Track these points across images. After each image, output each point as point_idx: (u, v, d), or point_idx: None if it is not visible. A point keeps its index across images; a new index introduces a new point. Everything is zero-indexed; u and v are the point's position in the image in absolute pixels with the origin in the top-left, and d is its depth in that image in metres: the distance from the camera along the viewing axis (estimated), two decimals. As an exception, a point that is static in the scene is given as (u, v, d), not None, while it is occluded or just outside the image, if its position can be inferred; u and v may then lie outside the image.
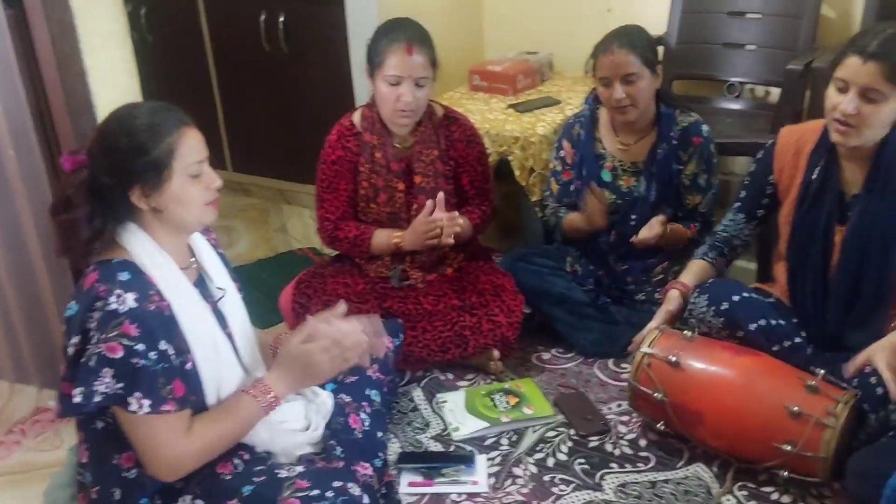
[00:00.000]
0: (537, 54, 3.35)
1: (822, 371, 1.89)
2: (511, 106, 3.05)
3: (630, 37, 2.35)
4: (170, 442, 1.53)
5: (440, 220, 2.27)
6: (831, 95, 1.87)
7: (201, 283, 1.70)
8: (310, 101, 3.44)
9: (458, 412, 2.23)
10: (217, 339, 1.64)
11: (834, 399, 1.83)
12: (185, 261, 1.67)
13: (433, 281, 2.44)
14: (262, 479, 1.60)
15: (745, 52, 2.96)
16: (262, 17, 3.41)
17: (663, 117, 2.42)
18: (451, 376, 2.41)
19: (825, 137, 1.97)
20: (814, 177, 2.01)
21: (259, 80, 3.58)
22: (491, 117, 2.96)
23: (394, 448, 2.11)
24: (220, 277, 1.74)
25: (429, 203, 2.28)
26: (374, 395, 1.96)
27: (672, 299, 2.14)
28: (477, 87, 3.26)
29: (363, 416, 1.88)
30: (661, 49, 2.93)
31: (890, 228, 1.93)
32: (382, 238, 2.39)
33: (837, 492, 1.86)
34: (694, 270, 2.19)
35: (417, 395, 2.33)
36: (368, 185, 2.38)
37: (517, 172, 2.83)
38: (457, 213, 2.32)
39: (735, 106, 3.00)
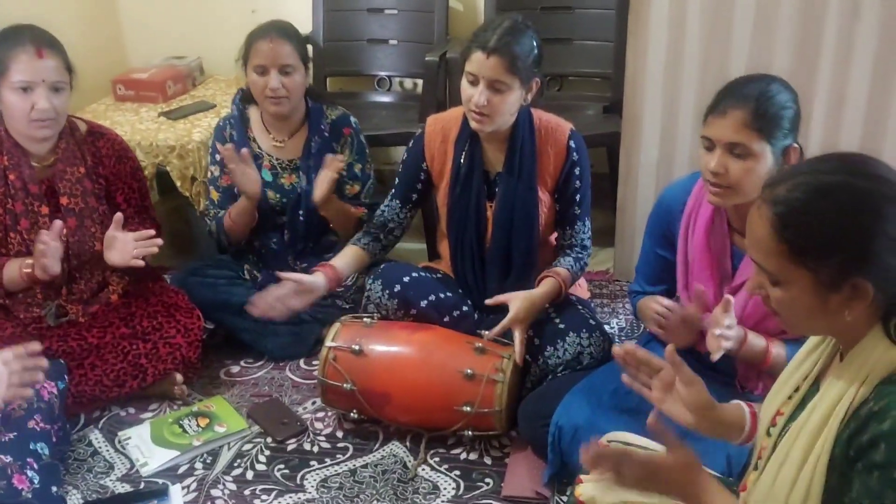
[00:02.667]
0: (185, 59, 3.23)
1: (487, 332, 2.05)
2: (163, 114, 2.90)
3: (286, 29, 2.37)
4: None
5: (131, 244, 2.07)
6: (465, 88, 2.02)
7: None
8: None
9: (144, 446, 2.07)
10: None
11: (500, 356, 2.00)
12: None
13: (96, 312, 2.23)
14: None
15: (389, 46, 3.11)
16: None
17: (312, 112, 2.46)
18: (132, 410, 2.23)
19: (466, 124, 2.12)
20: (462, 160, 2.16)
21: None
22: (142, 127, 2.79)
23: (75, 501, 1.90)
24: None
25: (56, 224, 2.02)
26: (41, 448, 1.76)
27: (309, 278, 2.10)
28: (123, 97, 3.05)
29: (30, 473, 1.68)
30: (310, 48, 2.99)
31: (530, 202, 2.14)
32: (12, 270, 2.08)
33: (515, 439, 2.04)
34: (345, 254, 2.23)
35: (96, 437, 2.13)
36: (4, 212, 2.10)
37: (178, 183, 2.70)
38: (151, 232, 2.12)
39: (386, 99, 3.15)
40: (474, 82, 1.99)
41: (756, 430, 1.33)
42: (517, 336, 2.01)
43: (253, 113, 2.48)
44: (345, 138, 2.47)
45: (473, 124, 2.05)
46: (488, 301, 2.07)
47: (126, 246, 2.07)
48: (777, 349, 1.71)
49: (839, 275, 1.03)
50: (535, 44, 2.00)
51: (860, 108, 2.39)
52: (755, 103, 1.60)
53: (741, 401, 1.40)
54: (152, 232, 2.12)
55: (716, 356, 1.62)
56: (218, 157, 2.45)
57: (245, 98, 2.46)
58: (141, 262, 2.09)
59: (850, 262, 1.02)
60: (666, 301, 1.78)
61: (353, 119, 2.49)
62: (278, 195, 2.44)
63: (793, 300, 1.08)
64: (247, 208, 2.37)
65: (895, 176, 1.05)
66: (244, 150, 2.30)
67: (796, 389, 1.20)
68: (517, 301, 2.03)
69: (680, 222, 1.87)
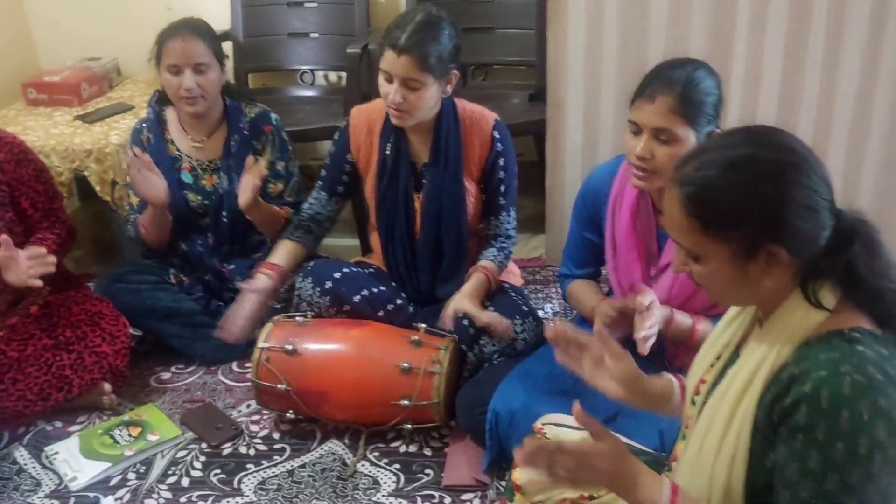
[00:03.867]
0: (101, 60, 3.12)
1: (423, 325, 2.05)
2: (78, 117, 2.80)
3: (199, 26, 2.31)
4: None
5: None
6: (382, 85, 2.00)
7: None
8: None
9: (73, 460, 2.01)
10: None
11: (436, 347, 2.00)
12: None
13: (15, 324, 2.13)
14: None
15: (310, 40, 3.07)
16: None
17: (230, 110, 2.40)
18: (59, 424, 2.16)
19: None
20: (388, 152, 2.15)
21: None
22: (56, 132, 2.69)
23: (0, 522, 1.83)
24: None
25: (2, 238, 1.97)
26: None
27: (258, 282, 2.12)
28: (35, 101, 2.94)
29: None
30: (230, 44, 2.93)
31: (456, 193, 2.14)
32: None
33: (454, 429, 2.04)
34: (281, 250, 2.21)
35: (21, 454, 2.05)
36: None
37: (98, 187, 2.62)
38: (43, 251, 2.04)
39: (309, 93, 3.11)
40: (389, 80, 1.98)
41: (685, 401, 1.36)
42: (473, 311, 2.00)
43: (170, 114, 2.41)
44: (265, 136, 2.42)
45: (394, 120, 2.04)
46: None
47: (20, 266, 1.98)
48: (703, 325, 1.76)
49: (753, 244, 1.06)
50: (449, 37, 1.99)
51: (775, 88, 2.46)
52: (682, 89, 1.62)
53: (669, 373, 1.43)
54: (43, 250, 2.04)
55: (645, 351, 1.65)
56: None
57: (161, 99, 2.39)
58: (39, 283, 2.01)
59: (761, 231, 1.05)
60: (617, 303, 1.78)
61: (273, 116, 2.44)
62: (200, 197, 2.38)
63: (714, 273, 1.11)
64: (155, 215, 2.30)
65: (798, 144, 1.08)
66: (145, 156, 2.22)
67: (718, 357, 1.23)
68: (463, 297, 2.05)
69: (606, 206, 1.89)
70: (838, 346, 1.03)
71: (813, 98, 2.44)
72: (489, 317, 2.00)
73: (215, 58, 2.30)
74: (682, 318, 1.75)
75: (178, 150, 2.39)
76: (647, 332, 1.64)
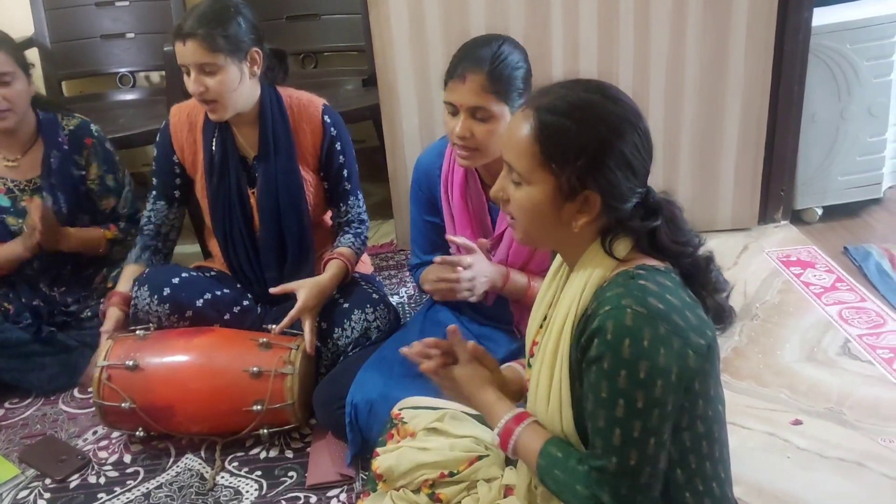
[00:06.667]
0: None
1: (273, 326, 1.99)
2: None
3: None
4: None
5: None
6: (185, 81, 1.93)
7: None
8: None
9: None
10: None
11: (287, 348, 1.94)
12: None
13: None
14: None
15: (126, 41, 2.92)
16: None
17: (44, 123, 2.24)
18: None
19: None
20: (214, 148, 2.07)
21: None
22: None
23: None
24: None
25: None
26: None
27: (112, 317, 2.06)
28: None
29: None
30: (36, 51, 2.72)
31: (293, 184, 2.08)
32: None
33: (314, 428, 2.00)
34: (128, 276, 2.11)
35: None
36: None
37: None
38: None
39: (131, 96, 2.96)
40: (188, 72, 1.91)
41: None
42: (307, 324, 1.97)
43: None
44: (88, 150, 2.27)
45: (210, 115, 1.98)
46: (273, 290, 2.00)
47: None
48: (537, 283, 1.81)
49: (576, 183, 1.13)
50: (236, 15, 1.92)
51: (592, 58, 2.55)
52: (490, 66, 1.65)
53: (512, 363, 1.47)
54: None
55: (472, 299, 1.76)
56: None
57: None
58: None
59: (587, 171, 1.12)
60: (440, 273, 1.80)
61: (93, 127, 2.30)
62: (20, 220, 2.21)
63: (532, 203, 1.17)
64: (20, 258, 2.19)
65: (635, 105, 1.17)
66: (35, 200, 2.09)
67: (545, 318, 1.28)
68: (305, 289, 1.98)
69: (439, 185, 1.90)
70: (623, 282, 1.11)
71: (629, 65, 2.56)
72: (310, 338, 1.97)
73: (19, 67, 2.13)
74: (517, 277, 1.82)
75: None
76: (465, 278, 1.72)
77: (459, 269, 1.73)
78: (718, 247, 2.58)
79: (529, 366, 1.31)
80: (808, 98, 2.70)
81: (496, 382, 1.36)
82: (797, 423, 1.93)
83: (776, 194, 2.82)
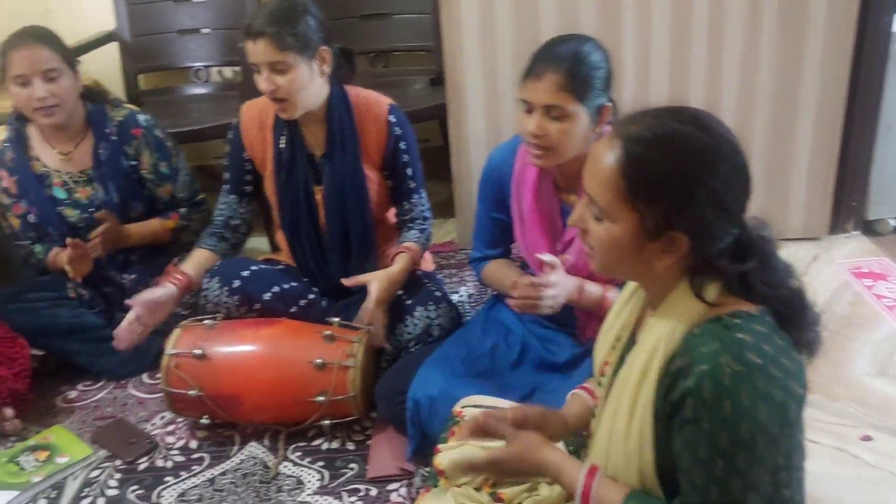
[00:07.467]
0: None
1: (337, 319, 2.02)
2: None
3: (40, 33, 2.19)
4: None
5: None
6: (256, 79, 1.97)
7: None
8: None
9: (-24, 492, 1.91)
10: None
11: (350, 341, 1.97)
12: None
13: None
14: None
15: (201, 36, 2.98)
16: None
17: (93, 115, 2.30)
18: (-41, 455, 2.05)
19: None
20: (282, 146, 2.10)
21: None
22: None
23: None
24: None
25: None
26: None
27: (165, 292, 2.06)
28: None
29: None
30: (116, 45, 2.81)
31: (358, 182, 2.11)
32: None
33: (375, 421, 2.03)
34: (194, 259, 2.16)
35: (-82, 492, 1.94)
36: None
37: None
38: None
39: (204, 91, 3.03)
40: (258, 71, 1.95)
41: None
42: (378, 318, 1.99)
43: (32, 130, 2.29)
44: (137, 139, 2.32)
45: (279, 113, 2.01)
46: (346, 281, 2.03)
47: None
48: (612, 294, 1.79)
49: (662, 223, 1.05)
50: (305, 13, 1.95)
51: (664, 62, 2.52)
52: (569, 65, 1.64)
53: (574, 390, 1.43)
54: None
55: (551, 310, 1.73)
56: (3, 184, 2.28)
57: (21, 116, 2.27)
58: None
59: (676, 212, 1.05)
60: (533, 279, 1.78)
61: (140, 117, 2.34)
62: (77, 211, 2.28)
63: (611, 240, 1.10)
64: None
65: (731, 136, 1.08)
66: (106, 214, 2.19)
67: (618, 339, 1.25)
68: (377, 282, 2.01)
69: (510, 183, 1.90)
70: (718, 334, 1.04)
71: (701, 69, 2.52)
72: (382, 332, 2.00)
73: (65, 62, 2.19)
74: (593, 288, 1.78)
75: (44, 166, 2.28)
76: (548, 296, 1.69)
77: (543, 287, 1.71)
78: (788, 256, 2.50)
79: (599, 384, 1.29)
80: (885, 106, 2.62)
81: (558, 429, 1.33)
82: (867, 438, 1.88)
83: (848, 204, 2.75)
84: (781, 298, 1.10)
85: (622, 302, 1.28)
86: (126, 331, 2.01)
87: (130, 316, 2.01)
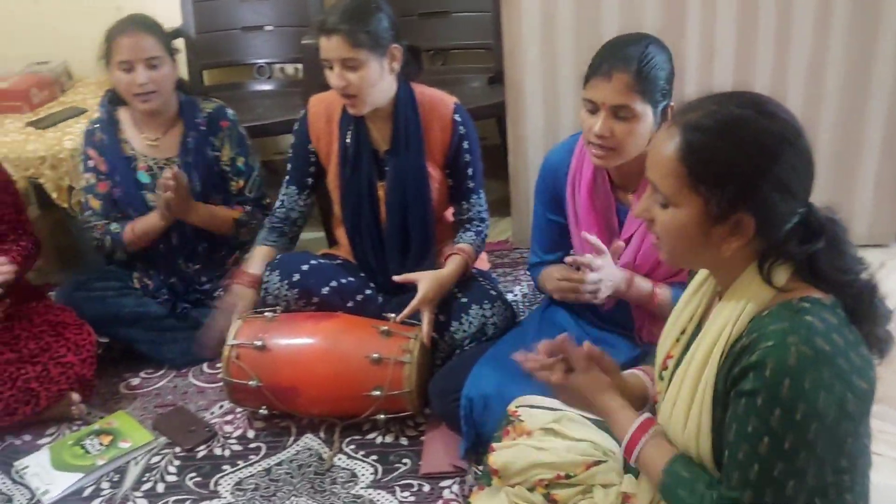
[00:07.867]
0: (50, 63, 3.05)
1: (393, 315, 2.04)
2: (30, 123, 2.75)
3: (146, 21, 2.27)
4: None
5: None
6: (327, 75, 1.99)
7: None
8: None
9: (44, 473, 1.97)
10: None
11: (406, 337, 1.99)
12: None
13: (-24, 340, 2.10)
14: None
15: (265, 33, 3.03)
16: None
17: (185, 105, 2.36)
18: (28, 438, 2.12)
19: None
20: (348, 140, 2.13)
21: None
22: (8, 140, 2.64)
23: (-27, 540, 1.80)
24: None
25: None
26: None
27: (244, 297, 2.15)
28: (-18, 109, 2.87)
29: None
30: (182, 41, 2.87)
31: (420, 179, 2.12)
32: None
33: (429, 417, 2.04)
34: (257, 257, 2.20)
35: (-10, 470, 2.02)
36: None
37: (54, 194, 2.57)
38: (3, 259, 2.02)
39: (267, 87, 3.08)
40: (330, 66, 1.97)
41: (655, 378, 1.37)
42: (425, 316, 2.01)
43: (123, 114, 2.36)
44: (223, 132, 2.38)
45: (348, 108, 2.03)
46: (396, 277, 2.06)
47: None
48: (662, 290, 1.78)
49: (727, 206, 1.06)
50: (378, 11, 1.97)
51: (729, 60, 2.47)
52: (637, 66, 1.63)
53: (635, 369, 1.44)
54: (2, 259, 2.03)
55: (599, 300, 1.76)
56: (91, 163, 2.33)
57: (113, 99, 2.35)
58: None
59: (740, 195, 1.05)
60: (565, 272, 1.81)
61: (229, 111, 2.40)
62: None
63: (678, 226, 1.11)
64: (158, 227, 2.29)
65: (794, 120, 1.08)
66: (175, 171, 2.19)
67: (683, 332, 1.24)
68: (425, 281, 2.03)
69: (566, 184, 1.89)
70: (788, 316, 1.04)
71: (767, 68, 2.46)
72: (427, 330, 2.01)
73: (166, 52, 2.26)
74: (642, 282, 1.78)
75: (132, 149, 2.35)
76: (590, 280, 1.70)
77: (586, 269, 1.72)
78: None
79: (661, 378, 1.28)
80: (961, 108, 2.52)
81: (616, 387, 1.32)
82: (934, 452, 1.82)
83: (918, 209, 2.66)
84: (852, 287, 1.09)
85: (688, 295, 1.27)
86: (212, 340, 2.11)
87: (218, 326, 2.11)
